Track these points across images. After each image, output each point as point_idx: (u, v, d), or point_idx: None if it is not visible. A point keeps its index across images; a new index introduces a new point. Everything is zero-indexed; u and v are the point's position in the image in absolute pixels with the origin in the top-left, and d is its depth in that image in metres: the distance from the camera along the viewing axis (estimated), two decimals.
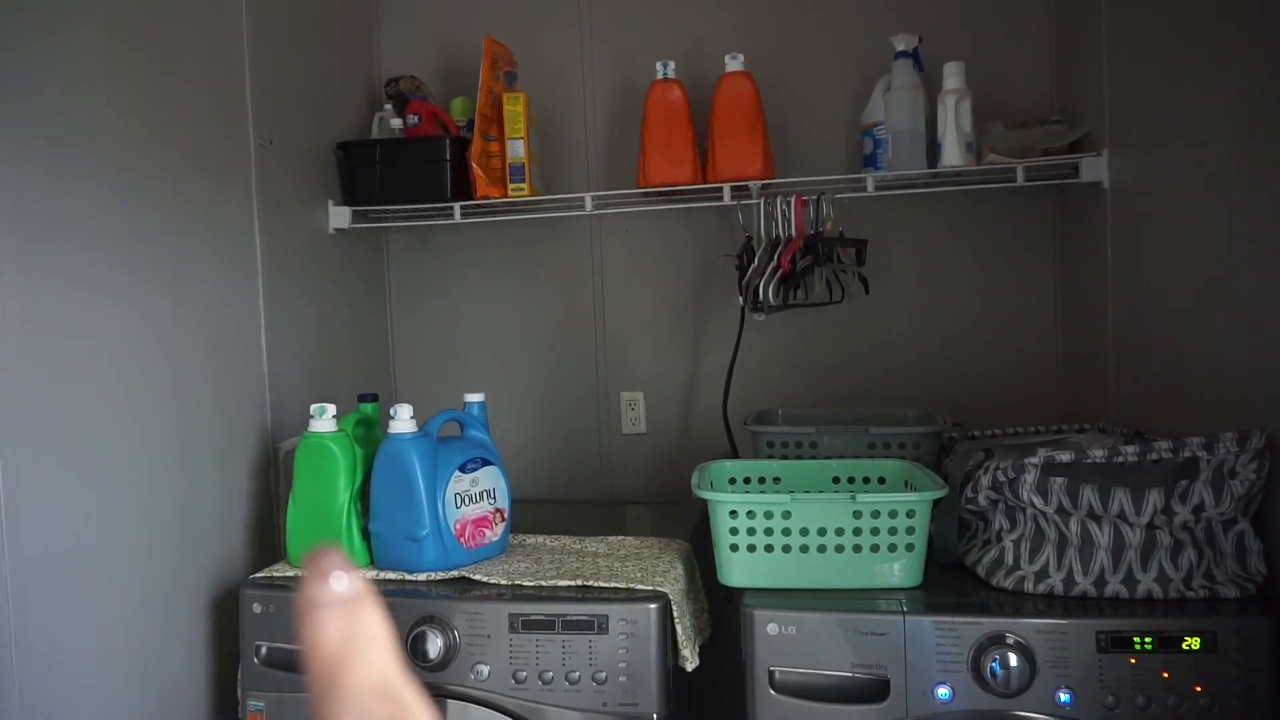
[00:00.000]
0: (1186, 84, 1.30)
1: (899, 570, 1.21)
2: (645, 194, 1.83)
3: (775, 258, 1.66)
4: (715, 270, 1.95)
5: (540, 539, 1.53)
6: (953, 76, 1.63)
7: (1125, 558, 1.13)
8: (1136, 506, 1.11)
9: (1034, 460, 1.16)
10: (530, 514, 1.69)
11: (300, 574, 0.20)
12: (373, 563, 1.40)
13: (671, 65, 1.79)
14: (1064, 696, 1.08)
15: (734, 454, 1.83)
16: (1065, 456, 1.15)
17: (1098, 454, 1.15)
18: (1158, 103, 1.40)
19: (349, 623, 0.21)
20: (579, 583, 1.29)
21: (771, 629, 1.16)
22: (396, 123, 1.87)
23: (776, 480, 1.45)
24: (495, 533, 1.43)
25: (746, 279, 1.69)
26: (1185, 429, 1.20)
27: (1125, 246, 1.53)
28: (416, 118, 1.86)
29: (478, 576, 1.33)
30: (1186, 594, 1.11)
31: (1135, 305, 1.50)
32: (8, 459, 1.05)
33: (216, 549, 1.44)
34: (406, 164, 1.82)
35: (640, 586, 1.26)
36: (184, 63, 1.39)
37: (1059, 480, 1.15)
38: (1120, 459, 1.14)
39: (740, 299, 1.72)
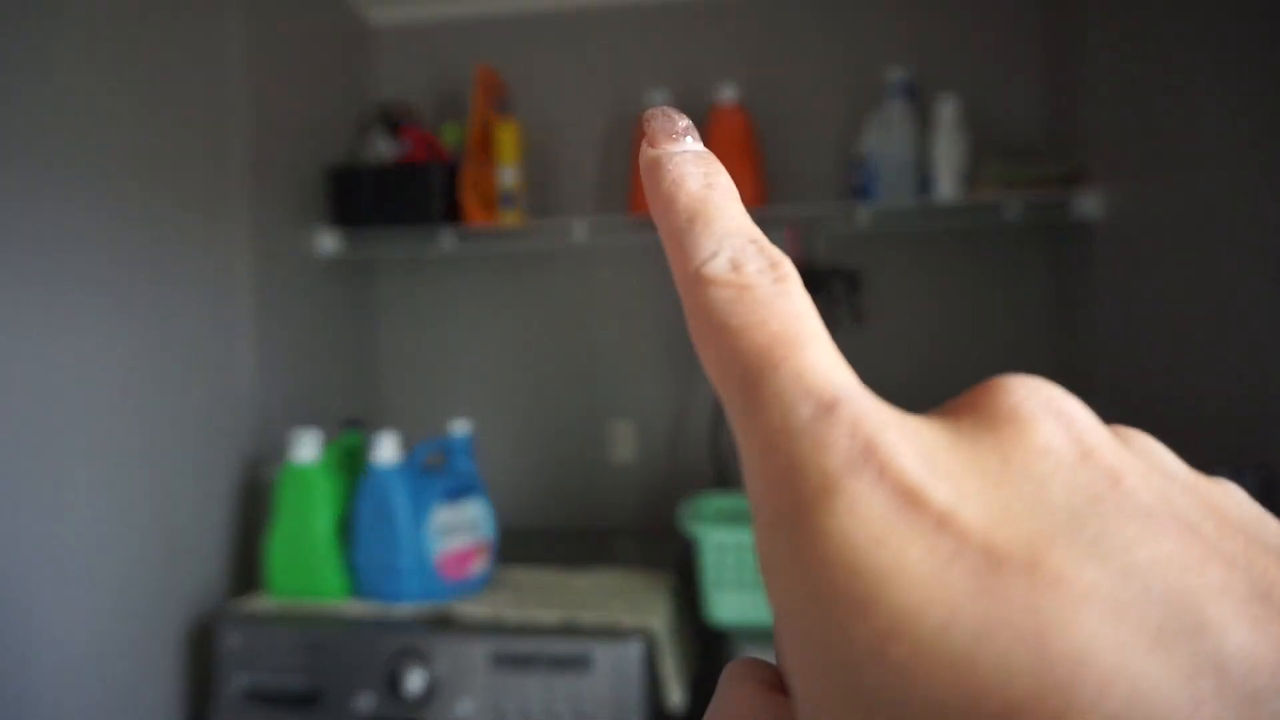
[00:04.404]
0: (1177, 119, 1.30)
1: None
2: (637, 222, 1.82)
3: None
4: None
5: (526, 572, 1.50)
6: (946, 108, 1.63)
7: None
8: None
9: None
10: (517, 543, 1.66)
11: (647, 120, 0.19)
12: (354, 593, 1.37)
13: (664, 95, 1.79)
14: None
15: (723, 485, 1.81)
16: None
17: None
18: (1149, 138, 1.40)
19: (709, 170, 0.19)
20: (563, 619, 1.26)
21: None
22: (388, 148, 1.86)
23: None
24: (479, 565, 1.40)
25: None
26: None
27: (1117, 281, 1.52)
28: (408, 143, 1.85)
29: (460, 610, 1.30)
30: None
31: (1127, 339, 1.49)
32: None
33: (195, 577, 1.41)
34: (397, 190, 1.81)
35: (625, 623, 1.23)
36: (175, 88, 1.39)
37: None
38: None
39: None
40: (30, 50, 1.12)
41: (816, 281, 1.66)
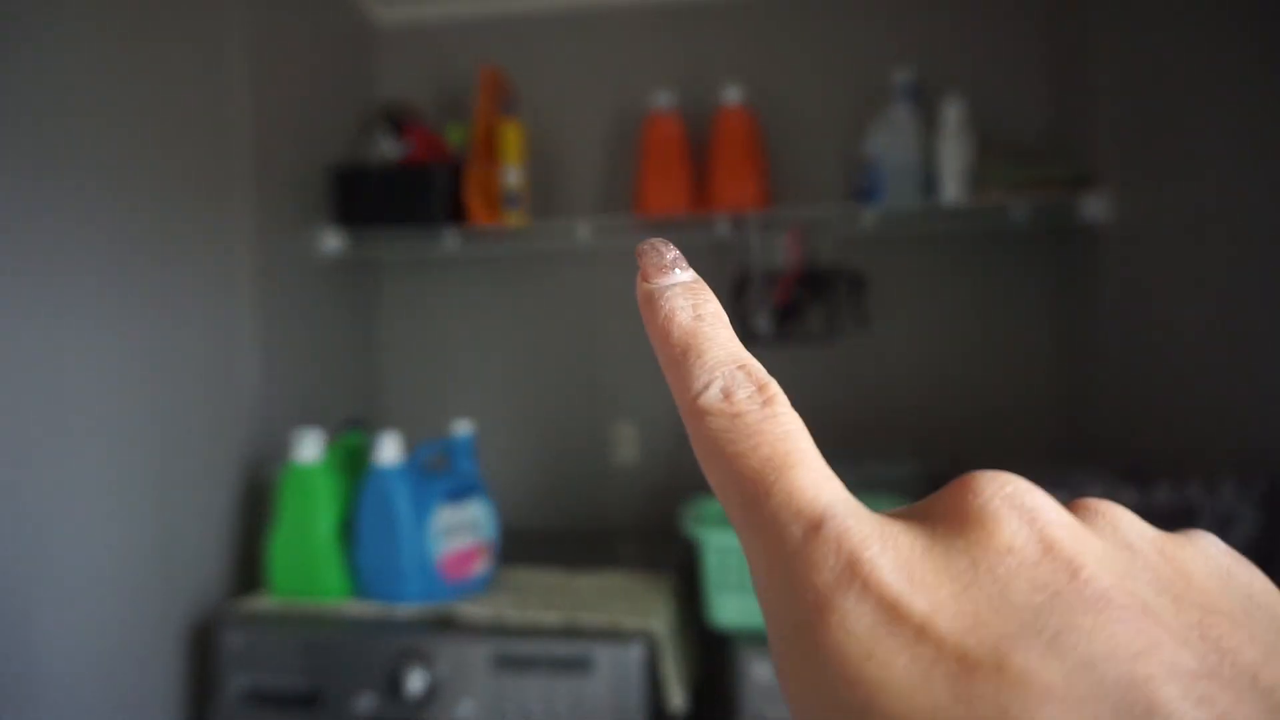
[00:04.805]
0: (1184, 121, 1.30)
1: None
2: (641, 223, 1.82)
3: (770, 290, 1.64)
4: None
5: (528, 573, 1.50)
6: (951, 110, 1.62)
7: None
8: None
9: None
10: (519, 544, 1.66)
11: (640, 255, 0.21)
12: (356, 593, 1.36)
13: (668, 97, 1.79)
14: None
15: None
16: (1060, 498, 1.13)
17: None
18: (1156, 140, 1.39)
19: (697, 302, 0.21)
20: (565, 620, 1.26)
21: (762, 672, 1.13)
22: (392, 148, 1.86)
23: None
24: (481, 566, 1.40)
25: (741, 311, 1.67)
26: (1184, 470, 1.17)
27: (1124, 282, 1.52)
28: (412, 143, 1.85)
29: (461, 611, 1.30)
30: None
31: (1135, 342, 1.48)
32: None
33: (196, 577, 1.41)
34: (401, 190, 1.81)
35: (627, 625, 1.23)
36: (178, 88, 1.38)
37: None
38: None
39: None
40: (29, 49, 1.12)
41: (821, 284, 1.66)
